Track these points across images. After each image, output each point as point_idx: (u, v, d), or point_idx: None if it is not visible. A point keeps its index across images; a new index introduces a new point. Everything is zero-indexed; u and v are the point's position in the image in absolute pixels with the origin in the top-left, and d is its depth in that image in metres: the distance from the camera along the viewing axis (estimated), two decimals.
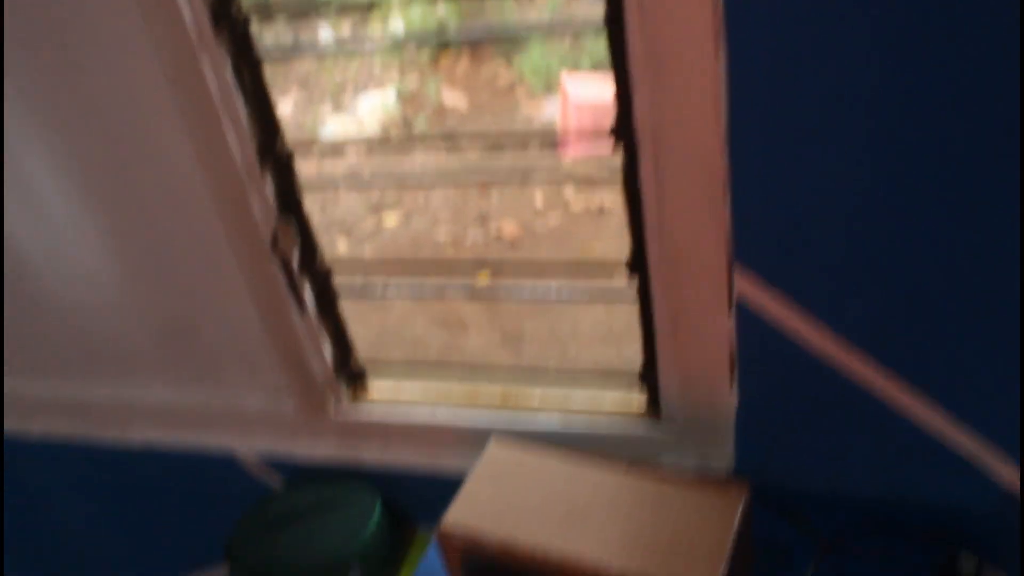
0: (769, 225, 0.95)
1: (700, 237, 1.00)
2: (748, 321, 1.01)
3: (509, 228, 2.88)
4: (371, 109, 3.68)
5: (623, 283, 1.14)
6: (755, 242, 0.96)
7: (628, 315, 1.23)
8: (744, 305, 1.00)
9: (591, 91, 2.94)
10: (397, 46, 3.69)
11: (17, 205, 1.29)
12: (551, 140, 2.69)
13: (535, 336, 2.37)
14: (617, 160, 1.03)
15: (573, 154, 2.90)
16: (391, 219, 3.09)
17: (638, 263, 1.08)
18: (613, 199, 2.76)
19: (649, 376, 1.18)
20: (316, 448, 1.36)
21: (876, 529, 0.95)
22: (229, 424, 1.40)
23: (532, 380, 1.29)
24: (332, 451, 1.35)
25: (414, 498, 1.35)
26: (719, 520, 0.88)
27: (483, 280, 2.50)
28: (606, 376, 1.25)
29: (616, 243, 2.43)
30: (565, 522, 0.90)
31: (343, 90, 3.72)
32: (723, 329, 1.05)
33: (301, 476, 1.37)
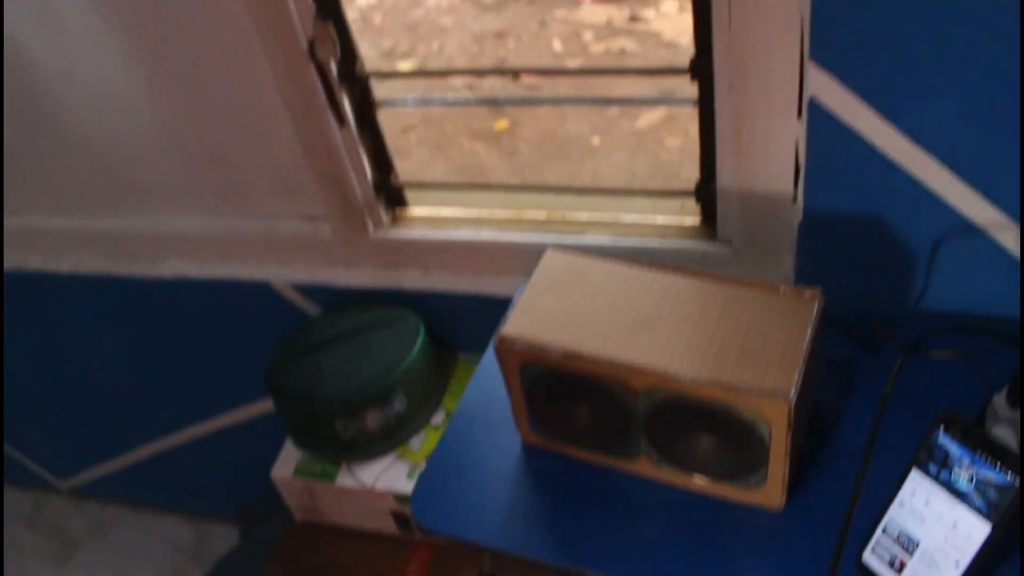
0: (849, 23, 0.87)
1: (773, 35, 0.92)
2: (820, 123, 0.95)
3: (529, 72, 2.77)
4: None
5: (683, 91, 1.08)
6: (833, 40, 0.89)
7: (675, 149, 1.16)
8: (817, 106, 0.94)
9: None
10: None
11: (30, 18, 1.20)
12: None
13: (580, 157, 2.30)
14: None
15: (593, 1, 2.77)
16: (405, 66, 2.98)
17: (701, 66, 1.01)
18: (634, 43, 2.63)
19: (706, 190, 1.13)
20: (355, 274, 1.32)
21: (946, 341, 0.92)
22: (264, 252, 1.36)
23: (580, 199, 1.24)
24: (372, 276, 1.32)
25: (457, 323, 1.33)
26: (793, 325, 0.85)
27: (501, 125, 2.42)
28: (659, 194, 1.20)
29: (640, 83, 2.33)
30: (631, 329, 0.87)
31: None
32: (789, 136, 0.99)
33: (341, 303, 1.35)
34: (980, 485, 0.73)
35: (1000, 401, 0.81)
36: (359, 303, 1.31)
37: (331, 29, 1.10)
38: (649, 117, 2.27)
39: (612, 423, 0.90)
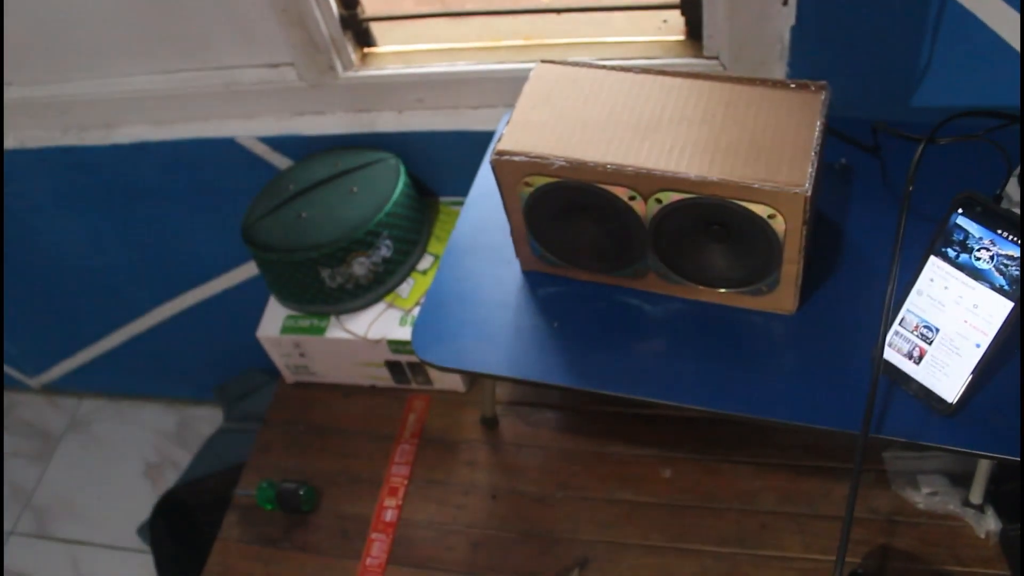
0: None
1: None
2: None
3: None
4: None
5: None
6: None
7: None
8: None
9: None
10: None
11: None
12: None
13: None
14: None
15: None
16: None
17: None
18: None
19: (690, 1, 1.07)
20: (326, 121, 1.26)
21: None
22: (228, 106, 1.28)
23: (559, 21, 1.18)
24: (344, 122, 1.25)
25: (437, 165, 1.28)
26: (801, 119, 0.81)
27: None
28: (642, 8, 1.14)
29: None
30: (633, 134, 0.83)
31: None
32: None
33: (313, 153, 1.28)
34: (1000, 262, 0.72)
35: (1016, 179, 0.79)
36: (333, 150, 1.25)
37: None
38: None
39: (619, 237, 0.87)
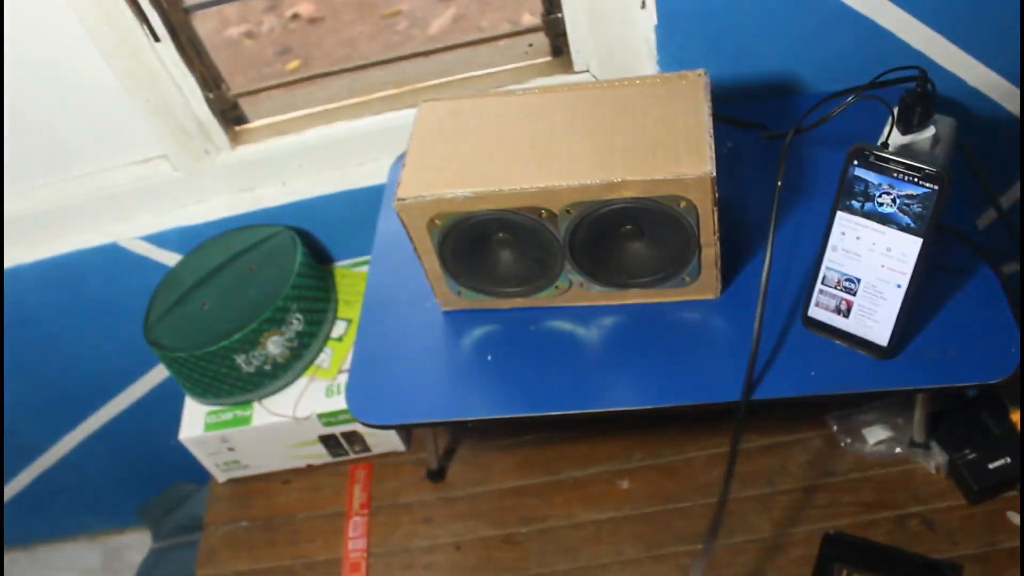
0: None
1: None
2: None
3: (306, 7, 2.63)
4: None
5: None
6: None
7: None
8: None
9: None
10: None
11: None
12: None
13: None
14: None
15: None
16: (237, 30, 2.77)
17: None
18: None
19: (552, 20, 1.09)
20: (210, 207, 1.22)
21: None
22: (103, 212, 1.22)
23: (426, 65, 1.18)
24: (228, 205, 1.21)
25: (332, 229, 1.26)
26: (688, 107, 0.83)
27: (294, 66, 2.29)
28: (505, 37, 1.15)
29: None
30: (530, 154, 0.83)
31: None
32: None
33: (204, 241, 1.24)
34: (902, 203, 0.75)
35: (893, 129, 0.83)
36: (224, 234, 1.21)
37: None
38: (440, 22, 2.20)
39: (536, 257, 0.87)
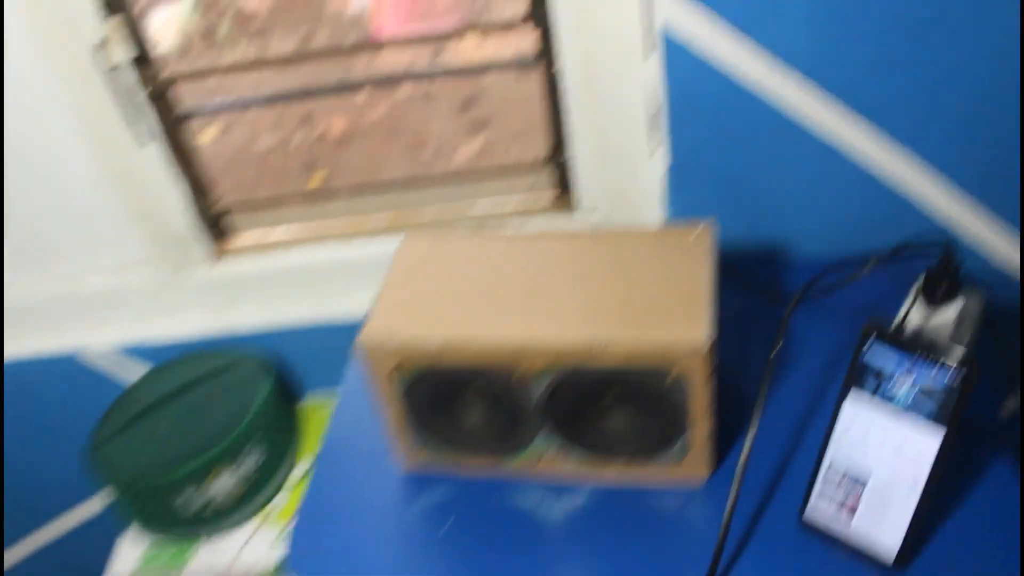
0: None
1: None
2: (676, 54, 0.88)
3: (338, 125, 2.67)
4: (165, 24, 3.33)
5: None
6: None
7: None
8: (671, 36, 0.87)
9: None
10: None
11: None
12: (364, 34, 2.48)
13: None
14: None
15: (390, 34, 2.70)
16: (208, 135, 2.81)
17: (540, 11, 0.93)
18: (439, 86, 2.58)
19: (559, 157, 1.04)
20: (181, 323, 1.15)
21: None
22: (69, 317, 1.16)
23: (424, 196, 1.13)
24: (201, 323, 1.14)
25: (307, 362, 1.18)
26: (689, 266, 0.76)
27: (317, 179, 2.30)
28: (510, 171, 1.10)
29: (448, 122, 2.28)
30: (512, 304, 0.76)
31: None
32: (644, 76, 0.91)
33: (168, 360, 1.16)
34: (922, 392, 0.66)
35: (917, 299, 0.75)
36: (191, 355, 1.13)
37: (122, 25, 0.93)
38: (466, 151, 2.21)
39: (507, 418, 0.78)
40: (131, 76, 0.96)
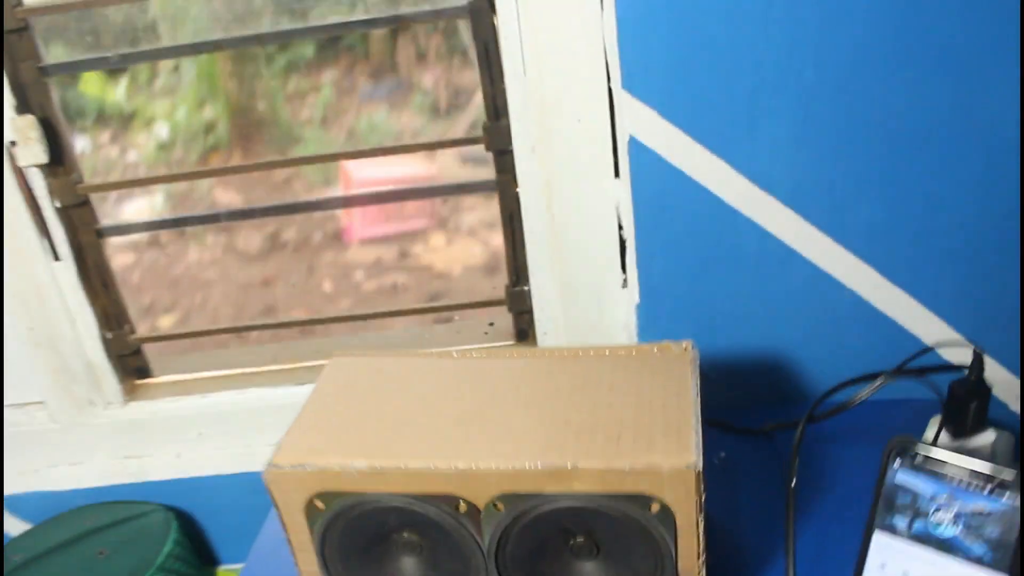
0: (659, 50, 0.75)
1: (575, 70, 0.78)
2: (643, 166, 0.80)
3: (299, 314, 2.62)
4: (138, 213, 3.35)
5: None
6: (645, 69, 0.76)
7: None
8: (638, 144, 0.79)
9: (375, 171, 2.74)
10: (163, 148, 3.38)
11: None
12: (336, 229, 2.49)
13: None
14: None
15: (360, 237, 2.70)
16: (167, 322, 2.75)
17: (496, 132, 0.85)
18: (406, 278, 2.57)
19: (518, 293, 0.93)
20: (82, 471, 0.98)
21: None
22: None
23: (370, 337, 1.01)
24: (105, 471, 0.98)
25: (224, 519, 1.01)
26: (670, 385, 0.63)
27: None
28: (467, 307, 0.99)
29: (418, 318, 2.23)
30: (457, 425, 0.62)
31: (104, 200, 3.34)
32: (610, 198, 0.83)
33: (67, 507, 0.99)
34: (969, 523, 0.52)
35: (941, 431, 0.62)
36: (87, 507, 0.97)
37: (35, 127, 0.84)
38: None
39: (449, 572, 0.62)
40: (43, 182, 0.87)
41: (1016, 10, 0.71)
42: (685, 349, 0.68)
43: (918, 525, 0.54)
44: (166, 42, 0.91)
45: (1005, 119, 0.75)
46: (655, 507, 0.56)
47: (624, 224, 0.83)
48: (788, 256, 0.83)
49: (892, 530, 0.55)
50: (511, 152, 0.84)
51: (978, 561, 0.52)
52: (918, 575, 0.54)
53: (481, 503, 0.59)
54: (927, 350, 0.68)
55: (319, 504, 0.61)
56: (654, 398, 0.63)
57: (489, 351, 0.72)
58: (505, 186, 0.87)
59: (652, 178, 0.80)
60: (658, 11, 0.73)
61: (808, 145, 0.78)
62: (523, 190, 0.84)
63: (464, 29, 0.89)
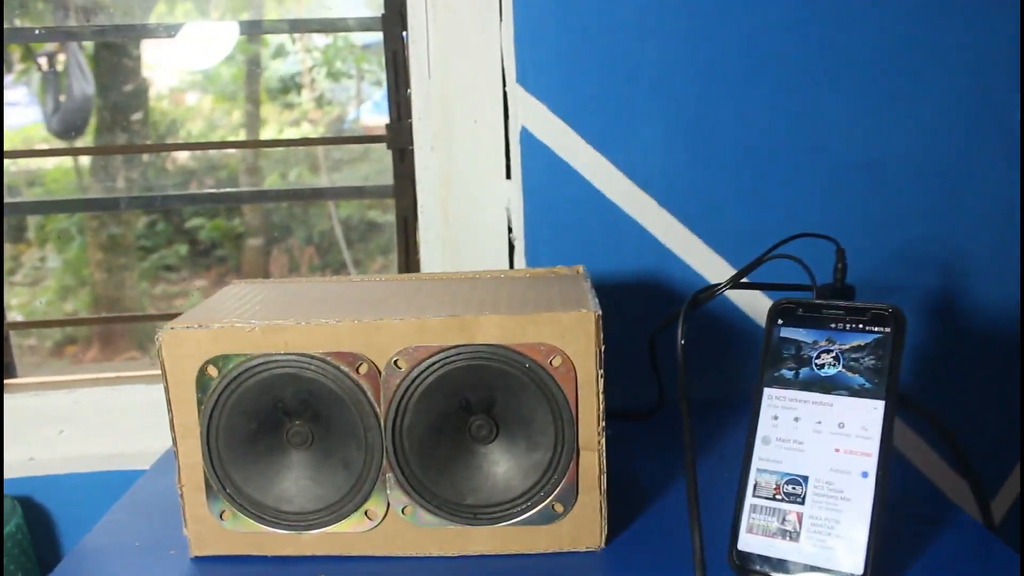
0: (551, 51, 0.85)
1: (475, 67, 0.86)
2: (533, 155, 0.87)
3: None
4: None
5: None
6: (537, 67, 0.86)
7: None
8: (529, 136, 0.86)
9: None
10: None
11: None
12: None
13: None
14: None
15: None
16: None
17: (400, 133, 0.91)
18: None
19: None
20: None
21: None
22: None
23: None
24: None
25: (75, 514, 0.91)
26: (564, 284, 0.66)
27: None
28: None
29: None
30: (360, 305, 0.62)
31: None
32: (502, 198, 0.89)
33: None
34: (850, 359, 0.56)
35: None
36: None
37: None
38: None
39: (341, 460, 0.60)
40: None
41: (836, 40, 0.85)
42: (578, 272, 0.72)
43: (804, 372, 0.57)
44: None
45: (839, 136, 0.87)
46: (556, 360, 0.57)
47: (514, 227, 0.88)
48: (664, 255, 0.89)
49: (780, 382, 0.58)
50: (411, 151, 0.89)
51: (860, 391, 0.55)
52: (806, 416, 0.56)
53: (382, 363, 0.58)
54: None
55: (211, 371, 0.58)
56: (551, 288, 0.65)
57: (388, 276, 0.73)
58: (402, 190, 0.92)
59: (541, 170, 0.87)
60: (550, 17, 0.84)
61: (678, 149, 0.87)
62: (421, 188, 0.89)
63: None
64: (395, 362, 0.58)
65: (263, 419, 0.59)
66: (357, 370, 0.58)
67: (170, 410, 0.59)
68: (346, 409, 0.59)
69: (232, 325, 0.58)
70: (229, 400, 0.59)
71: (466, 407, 0.59)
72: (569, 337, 0.57)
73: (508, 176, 0.87)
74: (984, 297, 0.91)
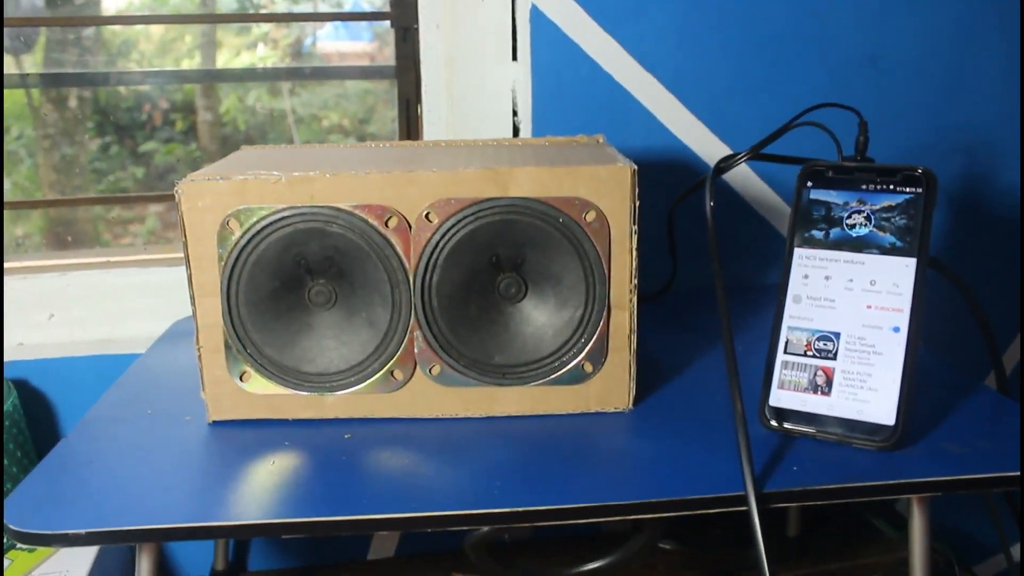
0: None
1: None
2: (543, 34, 0.85)
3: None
4: None
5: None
6: None
7: None
8: (539, 13, 0.84)
9: None
10: None
11: None
12: None
13: None
14: None
15: None
16: None
17: (404, 10, 0.88)
18: None
19: None
20: None
21: None
22: None
23: None
24: None
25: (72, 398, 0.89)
26: (593, 148, 0.65)
27: None
28: None
29: None
30: (385, 163, 0.60)
31: None
32: (507, 79, 0.87)
33: None
34: (881, 218, 0.56)
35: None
36: None
37: None
38: None
39: (366, 319, 0.59)
40: None
41: None
42: (598, 140, 0.71)
43: (834, 232, 0.57)
44: None
45: (845, 31, 0.87)
46: (590, 215, 0.57)
47: (519, 110, 0.87)
48: (670, 139, 0.88)
49: (811, 243, 0.58)
50: (416, 29, 0.86)
51: (891, 250, 0.56)
52: (837, 274, 0.57)
53: (412, 217, 0.57)
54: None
55: (233, 225, 0.56)
56: (577, 151, 0.64)
57: (410, 142, 0.72)
58: (404, 71, 0.90)
59: (550, 51, 0.85)
60: None
61: (688, 34, 0.86)
62: (425, 68, 0.87)
63: None
64: (426, 215, 0.56)
65: (285, 278, 0.58)
66: (386, 224, 0.56)
67: (188, 267, 0.57)
68: (373, 265, 0.57)
69: (256, 176, 0.56)
70: (251, 256, 0.57)
71: (495, 264, 0.58)
72: (604, 191, 0.56)
73: (515, 58, 0.85)
74: (986, 186, 0.92)
